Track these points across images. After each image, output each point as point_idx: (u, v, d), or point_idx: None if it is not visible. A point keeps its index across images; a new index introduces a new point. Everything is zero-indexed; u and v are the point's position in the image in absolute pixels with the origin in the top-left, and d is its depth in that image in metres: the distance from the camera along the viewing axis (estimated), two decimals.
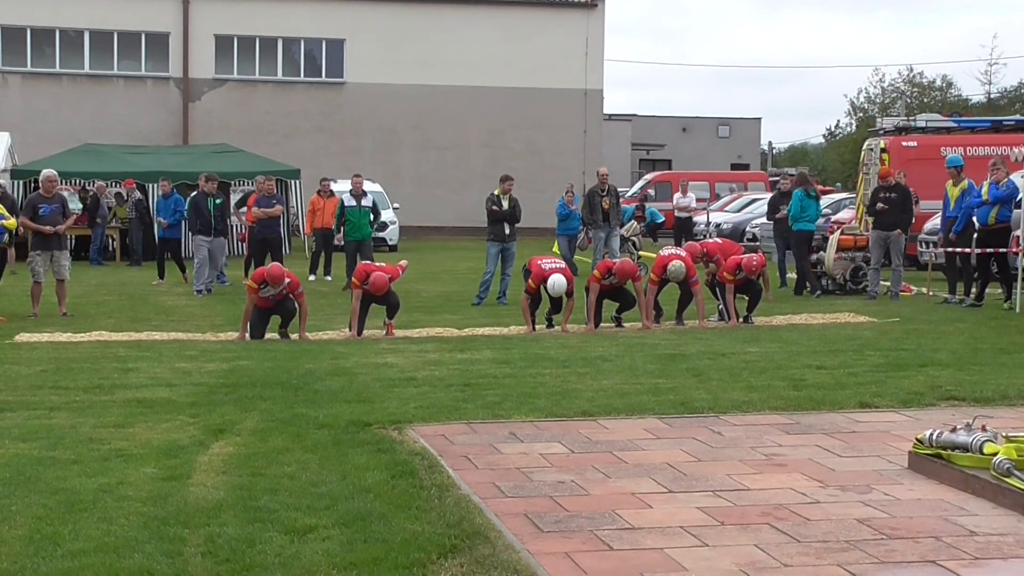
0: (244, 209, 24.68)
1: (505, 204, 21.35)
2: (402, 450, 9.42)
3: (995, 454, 8.22)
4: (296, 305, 16.41)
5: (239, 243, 28.90)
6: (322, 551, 6.78)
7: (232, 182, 30.04)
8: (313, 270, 26.00)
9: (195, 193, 24.70)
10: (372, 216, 23.81)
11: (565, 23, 48.06)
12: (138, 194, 32.74)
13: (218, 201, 23.71)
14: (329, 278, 25.83)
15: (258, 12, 45.48)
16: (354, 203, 23.84)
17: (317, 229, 25.99)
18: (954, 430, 8.80)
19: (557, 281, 16.85)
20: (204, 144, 40.27)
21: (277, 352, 14.93)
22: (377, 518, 7.43)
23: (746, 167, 68.03)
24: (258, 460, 9.03)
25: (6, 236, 19.09)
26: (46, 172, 20.00)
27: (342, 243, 24.36)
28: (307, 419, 10.51)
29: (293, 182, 33.17)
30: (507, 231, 21.23)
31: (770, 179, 36.71)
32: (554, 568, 6.58)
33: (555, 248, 28.32)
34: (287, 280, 16.07)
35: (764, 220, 30.18)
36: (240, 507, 7.70)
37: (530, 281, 17.23)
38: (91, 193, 31.98)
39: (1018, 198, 20.30)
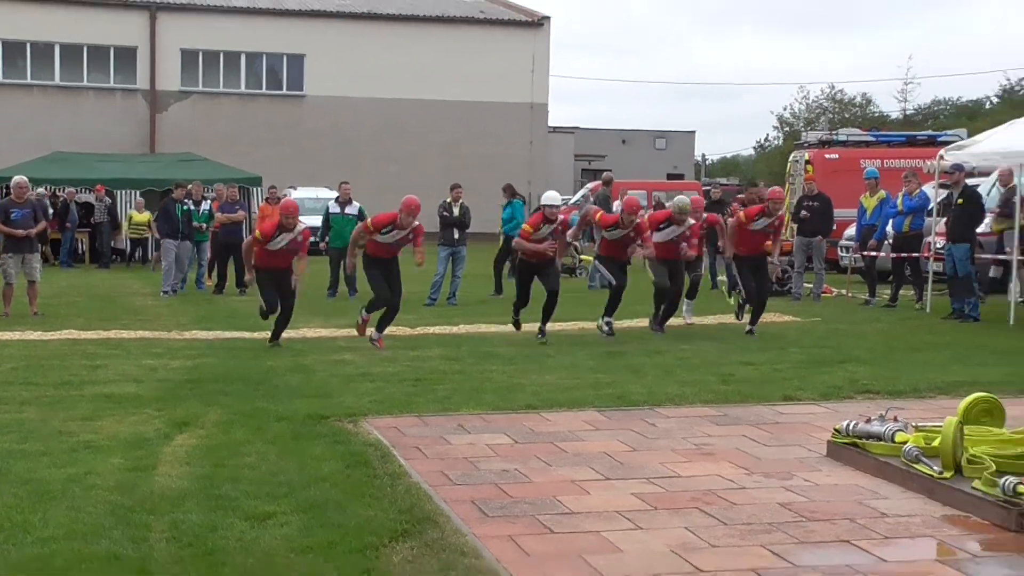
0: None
1: (456, 211, 21.42)
2: (357, 441, 9.42)
3: (905, 443, 8.35)
4: (294, 297, 15.40)
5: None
6: (280, 536, 6.78)
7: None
8: None
9: (166, 199, 24.56)
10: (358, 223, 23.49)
11: (513, 41, 48.10)
12: (107, 199, 32.57)
13: (186, 207, 23.52)
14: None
15: (222, 28, 45.30)
16: (338, 210, 23.00)
17: None
18: (869, 421, 8.93)
19: (549, 193, 16.20)
20: (170, 153, 40.10)
21: (239, 350, 14.89)
22: (333, 505, 7.45)
23: (681, 177, 68.27)
24: (220, 451, 9.00)
25: None
26: (17, 179, 19.77)
27: (325, 250, 23.16)
28: (267, 412, 10.49)
29: (255, 189, 33.05)
30: (456, 235, 21.25)
31: (703, 188, 36.92)
32: (499, 550, 6.61)
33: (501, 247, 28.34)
34: (301, 225, 15.03)
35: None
36: (203, 495, 7.68)
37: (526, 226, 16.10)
38: (60, 199, 31.71)
39: (929, 207, 20.58)
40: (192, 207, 23.86)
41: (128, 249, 33.16)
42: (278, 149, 42.76)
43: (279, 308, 15.08)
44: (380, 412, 10.59)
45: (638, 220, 15.92)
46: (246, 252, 15.57)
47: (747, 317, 16.87)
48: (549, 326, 16.02)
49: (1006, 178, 18.81)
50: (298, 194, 35.40)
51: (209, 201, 24.57)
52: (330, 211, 23.30)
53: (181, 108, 44.85)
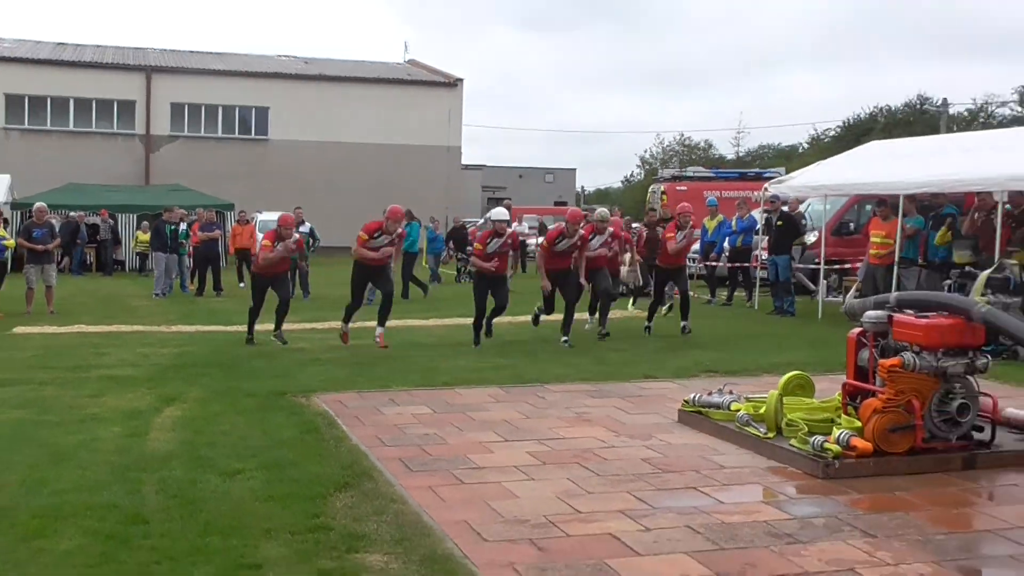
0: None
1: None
2: (309, 412, 9.35)
3: (739, 411, 8.42)
4: (290, 291, 14.58)
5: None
6: (248, 488, 6.73)
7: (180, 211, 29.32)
8: (240, 278, 25.77)
9: (157, 220, 24.41)
10: (311, 239, 23.29)
11: (433, 97, 48.05)
12: (110, 221, 32.28)
13: (172, 227, 23.33)
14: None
15: (203, 85, 44.81)
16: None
17: (237, 249, 25.78)
18: (710, 394, 8.99)
19: (498, 210, 15.05)
20: (161, 184, 39.76)
21: (216, 340, 14.69)
22: (289, 463, 7.39)
23: (565, 204, 68.49)
24: (200, 421, 8.90)
25: (7, 253, 18.79)
26: (38, 204, 20.02)
27: None
28: (238, 390, 10.37)
29: (228, 213, 32.83)
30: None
31: (584, 212, 37.43)
32: (420, 497, 6.58)
33: (424, 262, 28.33)
34: (296, 235, 14.50)
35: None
36: (186, 456, 7.59)
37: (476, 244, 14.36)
38: (72, 221, 31.19)
39: (756, 228, 20.86)
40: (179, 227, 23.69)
41: (136, 262, 32.60)
42: (247, 182, 42.17)
43: (280, 302, 14.06)
44: (327, 389, 10.50)
45: (582, 231, 14.27)
46: (267, 264, 14.01)
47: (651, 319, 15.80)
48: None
49: (984, 202, 16.24)
50: (263, 216, 35.09)
51: (186, 223, 24.28)
52: None
53: (170, 149, 44.17)
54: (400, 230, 13.99)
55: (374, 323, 13.81)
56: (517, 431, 8.64)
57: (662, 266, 15.76)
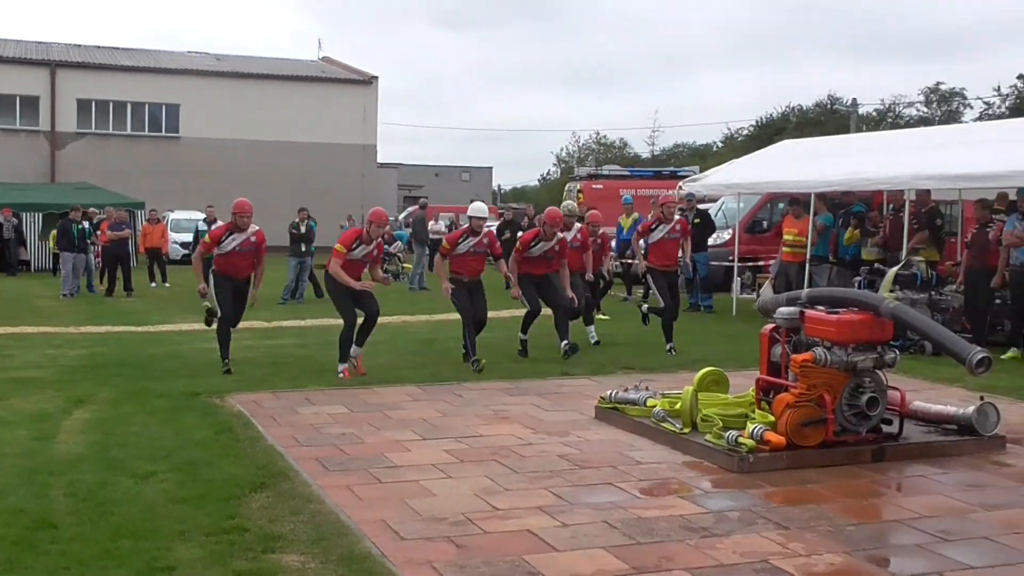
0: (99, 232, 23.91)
1: (302, 229, 21.26)
2: (223, 413, 9.25)
3: (655, 407, 8.52)
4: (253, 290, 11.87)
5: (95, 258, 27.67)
6: (161, 490, 6.64)
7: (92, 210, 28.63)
8: (152, 278, 25.38)
9: (62, 220, 23.84)
10: None
11: (349, 95, 47.75)
12: (14, 220, 31.43)
13: (80, 226, 22.84)
14: (167, 284, 25.06)
15: (112, 81, 44.02)
16: (206, 228, 22.64)
17: (148, 248, 25.46)
18: (626, 390, 9.08)
19: (476, 204, 12.85)
20: (68, 182, 38.92)
21: (126, 341, 14.45)
22: (204, 464, 7.31)
23: (496, 206, 68.65)
24: (111, 423, 8.75)
25: None
26: None
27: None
28: (150, 391, 10.22)
29: (139, 212, 32.24)
30: (303, 248, 21.19)
31: (499, 211, 37.32)
32: (337, 496, 6.56)
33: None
34: (254, 227, 11.82)
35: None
36: (96, 459, 7.47)
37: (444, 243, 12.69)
38: None
39: None
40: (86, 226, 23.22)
41: (51, 262, 31.81)
42: (158, 180, 41.46)
43: (232, 317, 11.74)
44: (242, 389, 10.40)
45: (561, 235, 12.75)
46: (197, 262, 11.77)
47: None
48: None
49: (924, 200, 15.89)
50: (175, 216, 34.59)
51: (89, 222, 23.81)
52: (199, 229, 23.26)
53: (77, 147, 43.25)
54: (380, 239, 11.77)
55: (292, 321, 13.66)
56: (435, 429, 8.64)
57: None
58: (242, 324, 16.29)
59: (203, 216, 24.22)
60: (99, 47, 48.82)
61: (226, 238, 11.53)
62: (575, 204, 14.50)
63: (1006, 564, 5.51)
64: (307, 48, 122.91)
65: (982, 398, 8.50)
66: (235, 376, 11.20)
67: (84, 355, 12.98)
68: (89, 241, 23.22)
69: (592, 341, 14.07)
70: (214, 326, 11.90)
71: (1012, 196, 14.85)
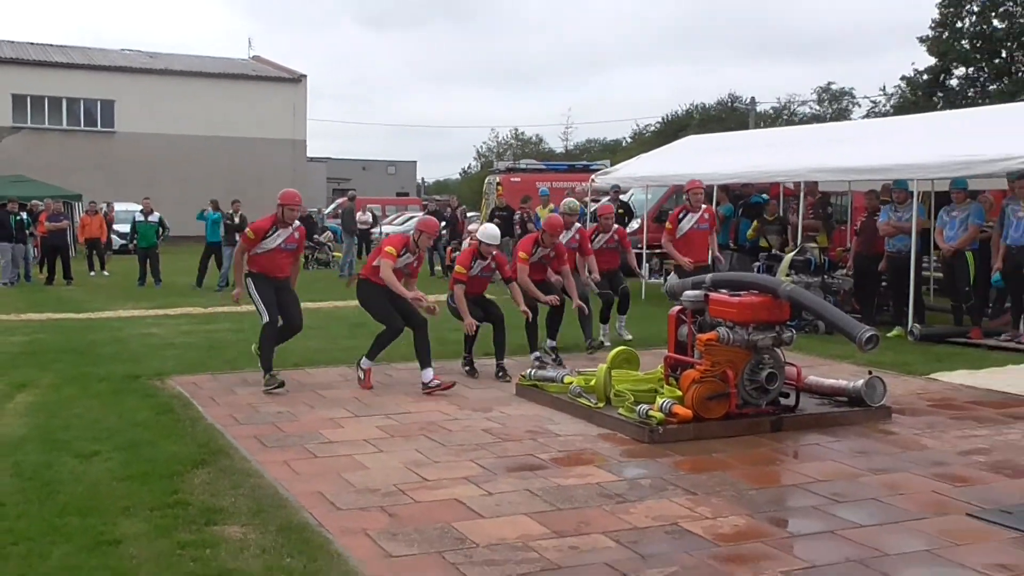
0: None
1: (236, 219, 20.98)
2: (164, 394, 9.13)
3: (571, 384, 8.62)
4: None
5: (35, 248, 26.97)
6: (105, 469, 6.55)
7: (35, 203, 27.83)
8: (91, 267, 24.85)
9: (0, 211, 23.19)
10: (160, 228, 22.55)
11: (278, 92, 47.15)
12: None
13: (18, 217, 22.27)
14: (107, 273, 24.55)
15: (47, 77, 42.90)
16: (143, 219, 22.36)
17: (87, 239, 24.89)
18: (544, 367, 9.17)
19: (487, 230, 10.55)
20: (4, 175, 37.80)
21: (66, 328, 14.12)
22: (146, 443, 7.22)
23: (407, 195, 68.23)
24: (53, 406, 8.58)
25: None
26: None
27: (134, 250, 22.59)
28: (91, 375, 10.04)
29: (76, 204, 31.55)
30: (237, 238, 20.79)
31: (423, 203, 37.29)
32: (275, 471, 6.54)
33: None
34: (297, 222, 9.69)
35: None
36: (40, 440, 7.33)
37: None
38: None
39: (585, 214, 21.23)
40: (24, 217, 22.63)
41: None
42: (94, 173, 40.54)
43: (289, 321, 9.75)
44: (181, 372, 10.28)
45: (557, 241, 11.09)
46: (238, 259, 9.86)
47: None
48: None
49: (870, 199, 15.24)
50: (118, 207, 33.87)
51: (26, 213, 23.19)
52: (136, 220, 22.79)
53: (13, 140, 42.02)
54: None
55: (227, 307, 13.39)
56: (366, 407, 8.63)
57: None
58: (181, 311, 16.19)
59: (140, 208, 23.77)
60: (32, 44, 47.40)
61: (271, 233, 9.51)
62: (576, 202, 12.41)
63: (891, 522, 5.70)
64: (238, 47, 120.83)
65: (870, 372, 8.74)
66: (174, 360, 11.05)
67: (25, 342, 12.67)
68: (28, 232, 22.66)
69: (600, 342, 12.10)
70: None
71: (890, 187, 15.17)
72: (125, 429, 7.66)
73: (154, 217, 22.32)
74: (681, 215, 12.86)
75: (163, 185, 38.92)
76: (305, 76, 48.16)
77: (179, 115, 44.00)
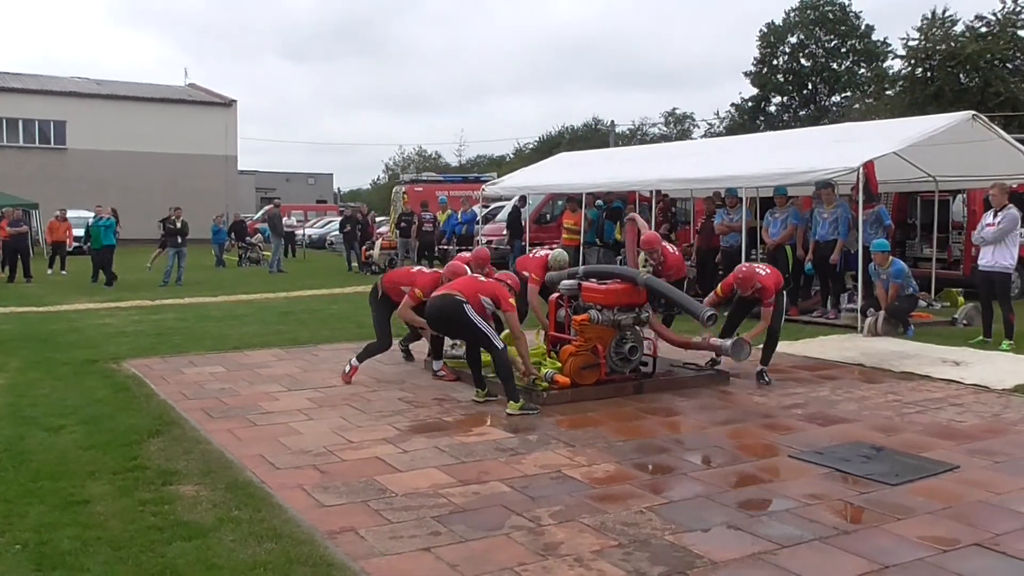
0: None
1: (178, 224, 20.38)
2: (120, 375, 8.84)
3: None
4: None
5: None
6: (71, 440, 6.33)
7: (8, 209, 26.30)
8: (51, 265, 23.82)
9: None
10: (114, 225, 21.55)
11: (212, 114, 45.82)
12: None
13: None
14: (64, 272, 23.55)
15: (4, 100, 40.96)
16: (96, 222, 21.41)
17: (54, 241, 23.77)
18: (453, 347, 9.15)
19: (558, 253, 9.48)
20: None
21: (29, 320, 13.52)
22: (106, 417, 7.00)
23: (325, 202, 67.08)
24: (21, 387, 8.23)
25: None
26: None
27: (88, 251, 21.37)
28: (54, 360, 9.65)
29: (34, 211, 30.20)
30: (179, 240, 20.27)
31: (340, 209, 36.77)
32: (221, 438, 6.42)
33: (213, 251, 27.45)
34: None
35: (336, 233, 30.05)
36: (11, 417, 7.03)
37: (532, 276, 9.25)
38: None
39: (477, 219, 21.28)
40: None
41: None
42: (48, 184, 38.79)
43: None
44: (135, 355, 9.96)
45: (661, 254, 9.60)
46: (407, 313, 8.35)
47: None
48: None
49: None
50: (71, 214, 32.49)
51: None
52: (89, 224, 21.79)
53: None
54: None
55: (172, 300, 13.03)
56: (297, 382, 8.52)
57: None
58: (128, 304, 15.67)
59: (93, 214, 22.84)
60: None
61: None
62: (565, 257, 9.61)
63: (731, 464, 5.91)
64: (175, 75, 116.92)
65: (738, 334, 8.86)
66: (127, 346, 10.69)
67: None
68: None
69: None
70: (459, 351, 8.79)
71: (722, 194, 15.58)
72: (87, 405, 7.41)
73: (105, 220, 21.51)
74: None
75: (110, 196, 37.20)
76: (235, 101, 46.98)
77: (124, 134, 42.43)
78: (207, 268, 24.90)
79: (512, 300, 7.61)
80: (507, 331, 7.77)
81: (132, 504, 4.96)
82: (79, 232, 26.31)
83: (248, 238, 29.02)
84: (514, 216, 20.41)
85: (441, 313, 7.42)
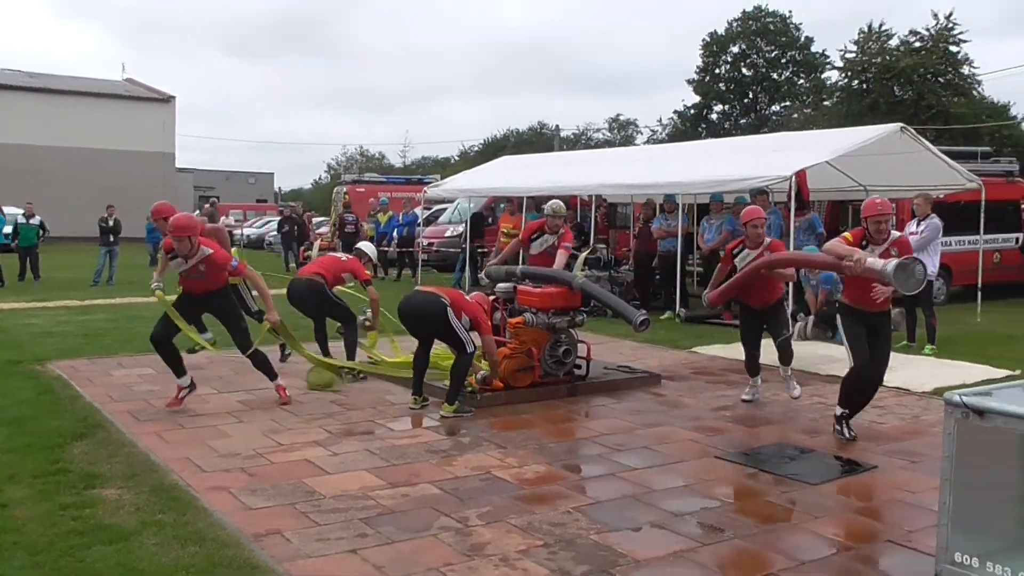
0: None
1: (111, 222, 19.98)
2: (45, 377, 8.66)
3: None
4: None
5: None
6: None
7: None
8: None
9: None
10: (41, 231, 21.06)
11: (150, 110, 44.97)
12: None
13: None
14: None
15: None
16: (24, 221, 20.66)
17: None
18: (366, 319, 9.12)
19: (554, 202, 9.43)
20: None
21: None
22: (30, 419, 6.86)
23: (265, 202, 66.28)
24: None
25: None
26: None
27: (16, 248, 20.70)
28: None
29: None
30: (112, 239, 19.88)
31: (280, 208, 36.45)
32: (148, 441, 6.35)
33: (147, 249, 26.82)
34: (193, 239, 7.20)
35: (275, 233, 29.70)
36: None
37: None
38: None
39: (418, 221, 21.26)
40: None
41: None
42: None
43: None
44: (61, 357, 9.76)
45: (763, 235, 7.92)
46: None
47: None
48: None
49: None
50: (8, 209, 31.64)
51: None
52: (19, 222, 21.21)
53: None
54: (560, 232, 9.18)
55: (102, 300, 12.75)
56: (229, 384, 8.45)
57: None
58: (55, 303, 15.31)
59: (22, 211, 22.26)
60: None
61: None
62: (561, 204, 9.48)
63: (659, 465, 6.02)
64: (112, 69, 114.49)
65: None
66: (53, 346, 10.46)
67: None
68: None
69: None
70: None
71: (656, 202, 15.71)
72: (9, 407, 7.24)
73: (35, 220, 20.96)
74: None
75: (44, 192, 36.46)
76: (174, 97, 46.20)
77: (59, 129, 41.42)
78: (141, 267, 24.39)
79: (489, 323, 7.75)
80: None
81: (52, 508, 4.88)
82: (7, 229, 25.64)
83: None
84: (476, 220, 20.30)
85: (420, 309, 7.37)
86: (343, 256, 9.50)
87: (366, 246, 10.34)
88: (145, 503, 4.99)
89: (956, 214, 14.12)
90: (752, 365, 7.96)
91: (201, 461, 5.87)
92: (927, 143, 13.59)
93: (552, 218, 9.36)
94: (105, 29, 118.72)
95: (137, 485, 5.30)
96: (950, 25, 35.07)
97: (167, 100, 46.00)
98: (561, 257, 9.13)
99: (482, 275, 9.93)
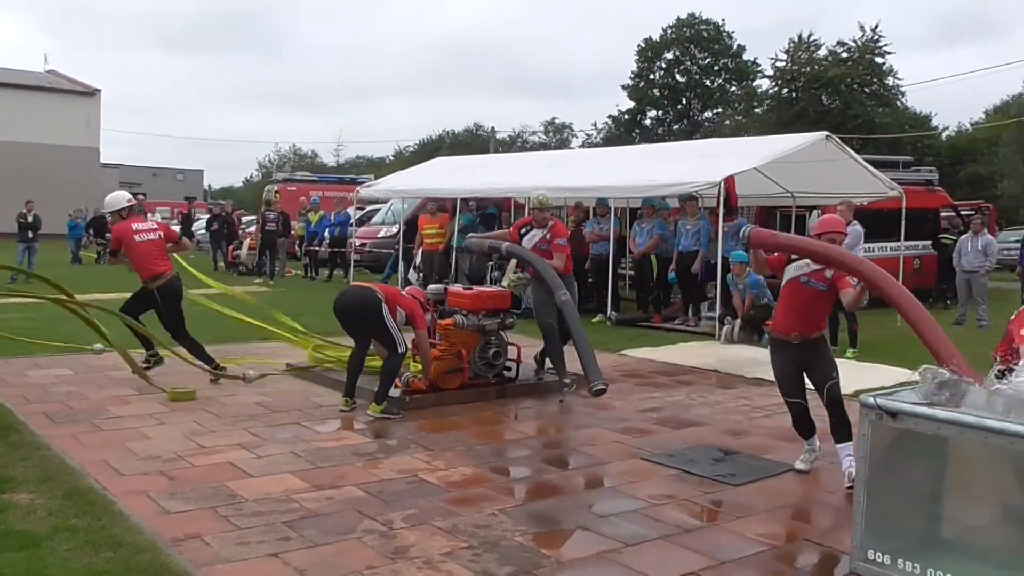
0: None
1: (30, 218, 19.41)
2: None
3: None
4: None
5: None
6: None
7: None
8: None
9: None
10: None
11: (74, 104, 43.80)
12: None
13: None
14: None
15: None
16: None
17: None
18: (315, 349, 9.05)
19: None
20: None
21: None
22: None
23: (194, 199, 65.04)
24: None
25: None
26: None
27: None
28: None
29: None
30: (31, 235, 19.32)
31: (208, 206, 35.79)
32: (63, 444, 6.16)
33: (69, 247, 26.24)
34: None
35: (204, 230, 29.12)
36: None
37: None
38: None
39: (351, 221, 21.08)
40: None
41: None
42: None
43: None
44: None
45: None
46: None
47: None
48: None
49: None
50: None
51: None
52: None
53: None
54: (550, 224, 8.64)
55: (20, 299, 12.30)
56: (149, 387, 8.20)
57: None
58: None
59: None
60: None
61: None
62: (544, 194, 8.91)
63: (585, 466, 6.07)
64: (34, 60, 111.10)
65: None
66: None
67: None
68: None
69: None
70: None
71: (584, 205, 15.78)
72: None
73: None
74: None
75: None
76: (99, 90, 45.03)
77: None
78: (62, 264, 23.77)
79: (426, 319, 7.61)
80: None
81: None
82: None
83: (108, 234, 27.88)
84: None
85: (356, 303, 7.27)
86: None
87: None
88: (58, 508, 4.85)
89: (878, 221, 14.53)
90: (802, 421, 6.06)
91: (119, 464, 5.72)
92: (851, 152, 13.98)
93: (537, 211, 8.71)
94: (25, 17, 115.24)
95: (51, 489, 5.15)
96: (876, 37, 36.16)
97: (92, 93, 44.86)
98: (558, 260, 8.39)
99: (465, 243, 9.28)
